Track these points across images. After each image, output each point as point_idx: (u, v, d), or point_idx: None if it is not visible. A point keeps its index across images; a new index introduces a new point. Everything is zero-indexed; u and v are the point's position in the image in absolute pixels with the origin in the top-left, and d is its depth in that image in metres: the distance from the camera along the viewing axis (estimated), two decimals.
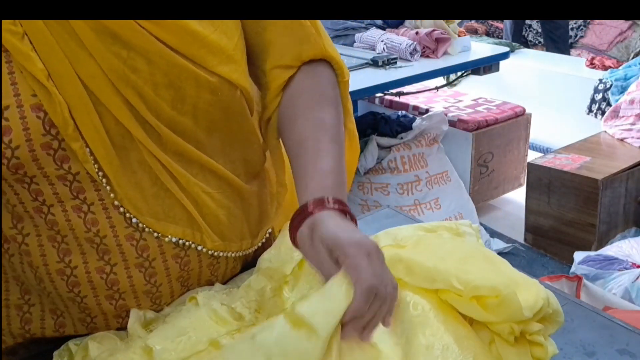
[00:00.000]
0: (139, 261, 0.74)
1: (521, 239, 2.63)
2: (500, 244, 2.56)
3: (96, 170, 0.68)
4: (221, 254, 0.80)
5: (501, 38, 4.51)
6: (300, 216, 0.70)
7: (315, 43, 0.80)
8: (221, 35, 0.72)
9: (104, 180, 0.69)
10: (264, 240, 0.89)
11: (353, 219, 0.72)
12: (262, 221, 0.88)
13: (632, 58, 3.46)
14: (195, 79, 0.70)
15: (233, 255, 0.82)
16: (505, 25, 4.49)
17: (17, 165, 0.65)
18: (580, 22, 4.37)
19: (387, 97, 3.08)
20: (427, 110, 2.95)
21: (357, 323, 0.64)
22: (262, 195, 0.88)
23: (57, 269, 0.73)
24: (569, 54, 4.21)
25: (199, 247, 0.77)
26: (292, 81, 0.80)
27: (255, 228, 0.86)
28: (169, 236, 0.74)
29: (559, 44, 4.22)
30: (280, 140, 0.84)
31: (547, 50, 4.24)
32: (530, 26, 4.56)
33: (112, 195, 0.70)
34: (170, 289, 0.78)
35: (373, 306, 0.64)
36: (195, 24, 0.69)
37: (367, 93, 2.51)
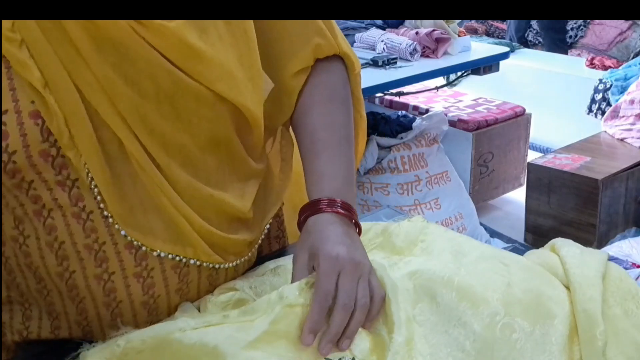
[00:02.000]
0: (137, 270, 0.73)
1: (521, 239, 2.63)
2: (500, 244, 2.55)
3: (89, 180, 0.68)
4: (219, 265, 0.78)
5: (501, 38, 4.51)
6: (311, 210, 0.75)
7: (329, 40, 0.82)
8: (223, 50, 0.70)
9: (95, 189, 0.68)
10: (262, 237, 0.88)
11: (357, 226, 0.76)
12: (260, 228, 0.87)
13: (632, 58, 3.46)
14: (195, 93, 0.69)
15: (233, 265, 0.81)
16: (509, 25, 4.49)
17: (15, 170, 0.65)
18: (580, 22, 4.37)
19: (387, 97, 3.08)
20: (427, 110, 2.95)
21: (327, 335, 0.66)
22: (263, 207, 0.86)
23: (56, 271, 0.73)
24: (566, 53, 4.21)
25: (192, 261, 0.75)
26: (307, 78, 0.83)
27: (254, 239, 0.85)
28: (158, 250, 0.73)
29: (558, 42, 4.23)
30: (292, 129, 0.87)
31: (546, 49, 4.24)
32: (530, 26, 4.55)
33: (102, 205, 0.69)
34: (167, 301, 0.77)
35: (336, 317, 0.67)
36: (195, 38, 0.68)
37: (367, 93, 2.50)
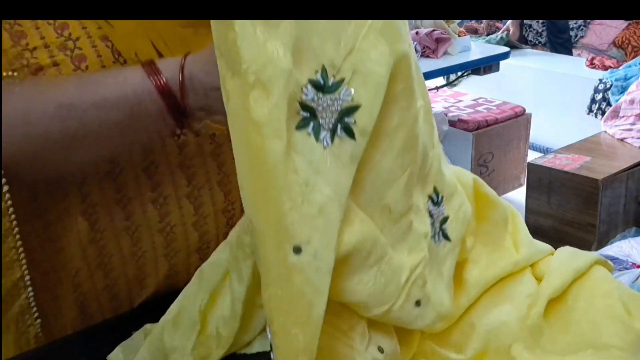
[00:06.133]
0: (188, 190, 0.76)
1: None
2: None
3: None
4: None
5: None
6: None
7: None
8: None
9: None
10: None
11: None
12: None
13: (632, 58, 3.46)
14: None
15: None
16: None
17: None
18: (580, 22, 4.37)
19: None
20: None
21: None
22: None
23: (114, 198, 0.73)
24: (571, 53, 4.22)
25: None
26: None
27: None
28: None
29: (562, 46, 4.25)
30: None
31: (551, 49, 4.26)
32: (530, 26, 4.56)
33: None
34: (216, 221, 0.79)
35: None
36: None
37: None
